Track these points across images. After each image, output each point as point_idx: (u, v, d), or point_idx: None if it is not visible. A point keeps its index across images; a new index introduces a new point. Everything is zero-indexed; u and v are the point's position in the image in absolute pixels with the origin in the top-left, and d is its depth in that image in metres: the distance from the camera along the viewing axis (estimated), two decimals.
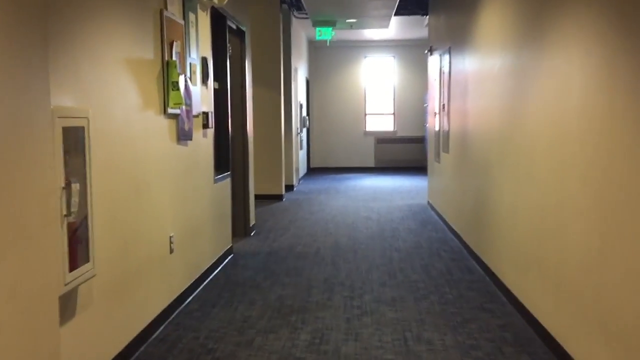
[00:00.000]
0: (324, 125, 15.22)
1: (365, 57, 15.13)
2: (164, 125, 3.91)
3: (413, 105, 15.01)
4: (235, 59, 6.62)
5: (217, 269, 5.23)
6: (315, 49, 15.05)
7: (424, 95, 14.22)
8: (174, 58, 3.97)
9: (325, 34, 9.77)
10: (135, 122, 3.46)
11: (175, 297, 4.14)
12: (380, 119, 15.32)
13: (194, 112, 4.49)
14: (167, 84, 3.87)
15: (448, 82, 7.05)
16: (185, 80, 4.21)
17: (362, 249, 6.10)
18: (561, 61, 3.36)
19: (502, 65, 4.62)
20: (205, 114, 4.86)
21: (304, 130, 13.45)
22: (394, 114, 15.23)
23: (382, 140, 15.13)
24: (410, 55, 14.93)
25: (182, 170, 4.28)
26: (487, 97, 5.05)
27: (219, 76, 5.77)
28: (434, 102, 8.41)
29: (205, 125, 4.87)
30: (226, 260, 5.58)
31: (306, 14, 9.67)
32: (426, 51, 8.82)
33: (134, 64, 3.42)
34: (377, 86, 15.26)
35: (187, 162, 4.40)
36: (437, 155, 8.01)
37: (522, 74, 4.08)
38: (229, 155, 5.82)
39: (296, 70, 11.76)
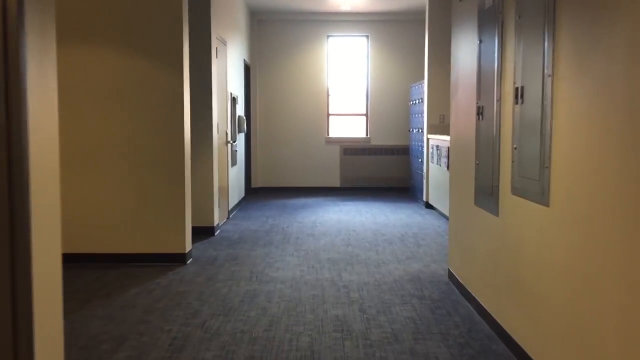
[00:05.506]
0: (271, 130, 11.00)
1: (329, 36, 11.01)
2: None
3: (394, 104, 10.97)
4: None
5: None
6: (259, 22, 10.82)
7: (410, 89, 10.12)
8: None
9: None
10: None
11: None
12: (349, 121, 11.22)
13: None
14: None
15: (547, 39, 2.94)
16: None
17: None
18: None
19: None
20: None
21: (241, 136, 9.20)
22: (366, 115, 11.15)
23: (351, 150, 11.04)
24: (391, 35, 10.88)
25: None
26: None
27: None
28: (468, 90, 4.32)
29: None
30: None
31: None
32: None
33: None
34: (344, 77, 11.14)
35: None
36: (488, 197, 3.89)
37: None
38: None
39: (224, 44, 7.53)
